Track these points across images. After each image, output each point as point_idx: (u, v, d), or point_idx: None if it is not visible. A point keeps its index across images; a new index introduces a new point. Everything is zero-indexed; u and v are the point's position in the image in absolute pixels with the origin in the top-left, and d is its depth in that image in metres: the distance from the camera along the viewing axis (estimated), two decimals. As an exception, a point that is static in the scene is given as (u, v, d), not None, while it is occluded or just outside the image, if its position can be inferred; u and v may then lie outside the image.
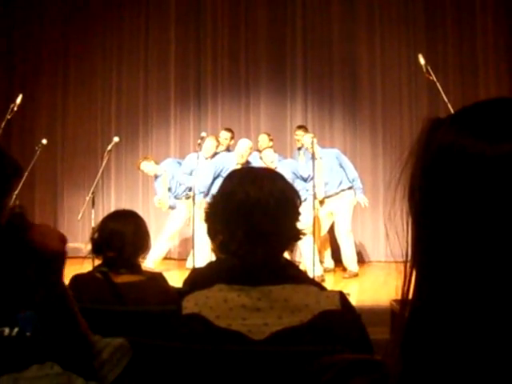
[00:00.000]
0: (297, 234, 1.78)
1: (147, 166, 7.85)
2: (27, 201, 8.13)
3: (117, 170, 9.33)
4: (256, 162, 7.24)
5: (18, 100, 6.74)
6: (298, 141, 7.80)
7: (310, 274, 6.01)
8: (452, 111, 0.68)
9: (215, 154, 7.57)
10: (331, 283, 6.75)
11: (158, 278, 3.02)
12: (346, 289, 5.66)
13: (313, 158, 6.88)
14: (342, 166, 7.29)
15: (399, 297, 0.63)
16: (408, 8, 8.89)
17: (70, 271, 2.17)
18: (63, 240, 1.40)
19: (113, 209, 6.90)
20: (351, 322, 1.72)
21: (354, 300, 5.13)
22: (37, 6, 9.44)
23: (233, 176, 1.84)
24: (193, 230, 6.80)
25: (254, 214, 1.69)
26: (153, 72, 9.39)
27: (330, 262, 7.58)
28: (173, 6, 9.34)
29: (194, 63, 9.30)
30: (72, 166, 9.40)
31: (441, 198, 0.59)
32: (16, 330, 1.45)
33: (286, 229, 1.75)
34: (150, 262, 7.14)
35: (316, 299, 1.69)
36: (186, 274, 3.02)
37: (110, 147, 7.12)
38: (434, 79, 5.91)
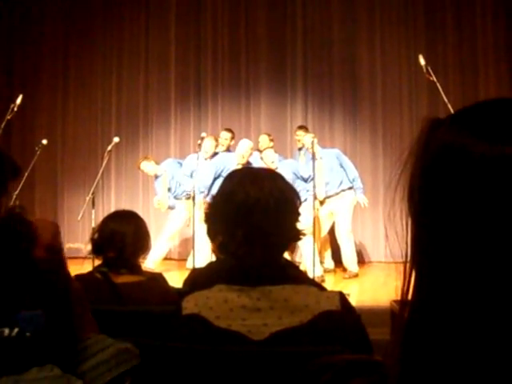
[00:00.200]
0: (297, 235, 1.78)
1: (147, 166, 7.85)
2: (27, 201, 8.12)
3: (117, 170, 9.32)
4: (257, 162, 7.23)
5: (18, 100, 6.74)
6: (299, 141, 7.80)
7: (310, 275, 6.01)
8: (452, 111, 0.67)
9: (215, 154, 7.56)
10: (331, 284, 6.75)
11: (158, 279, 3.02)
12: (345, 289, 5.65)
13: (313, 158, 6.87)
14: (342, 166, 7.28)
15: (399, 297, 0.63)
16: (408, 9, 8.89)
17: (70, 271, 2.17)
18: (56, 231, 1.40)
19: (113, 209, 6.89)
20: (351, 323, 1.72)
21: (353, 300, 5.13)
22: (37, 5, 9.44)
23: (233, 176, 1.84)
24: (193, 230, 6.80)
25: (253, 214, 1.69)
26: (153, 72, 9.38)
27: (330, 263, 7.58)
28: (173, 5, 9.34)
29: (194, 63, 9.30)
30: (72, 166, 9.40)
31: (440, 198, 0.58)
32: (16, 330, 1.45)
33: (286, 229, 1.75)
34: (150, 262, 7.14)
35: (316, 300, 1.69)
36: (186, 275, 3.02)
37: (110, 147, 7.13)
38: (435, 80, 5.91)
